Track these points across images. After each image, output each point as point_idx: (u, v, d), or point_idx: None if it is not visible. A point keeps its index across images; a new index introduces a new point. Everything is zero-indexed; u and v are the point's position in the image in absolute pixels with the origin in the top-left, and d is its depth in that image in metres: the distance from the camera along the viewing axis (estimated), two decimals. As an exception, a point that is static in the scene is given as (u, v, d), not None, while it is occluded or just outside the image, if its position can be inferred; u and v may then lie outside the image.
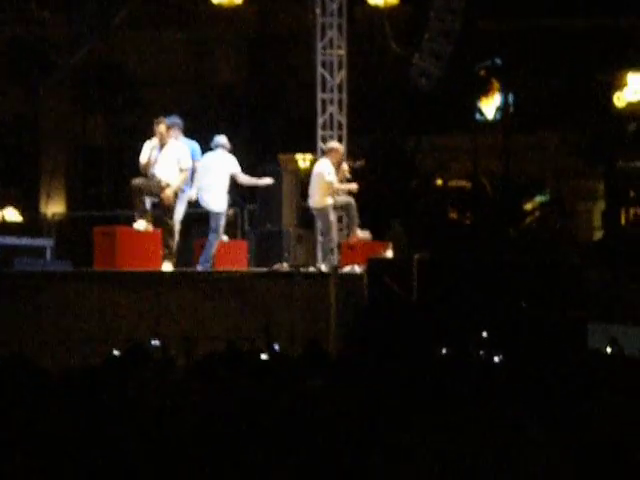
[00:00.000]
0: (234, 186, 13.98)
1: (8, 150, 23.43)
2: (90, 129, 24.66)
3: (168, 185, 13.16)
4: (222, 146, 13.62)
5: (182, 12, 25.07)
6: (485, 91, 23.74)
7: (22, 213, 21.22)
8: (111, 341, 10.86)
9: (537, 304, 11.45)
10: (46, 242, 16.02)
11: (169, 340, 10.52)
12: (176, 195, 13.29)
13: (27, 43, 21.83)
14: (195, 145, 13.86)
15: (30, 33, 22.10)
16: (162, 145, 13.26)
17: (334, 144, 14.88)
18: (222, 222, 13.53)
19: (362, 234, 14.36)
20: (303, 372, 6.47)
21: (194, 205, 13.71)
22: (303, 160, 24.49)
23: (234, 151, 13.89)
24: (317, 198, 14.23)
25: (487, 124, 23.88)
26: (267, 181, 13.90)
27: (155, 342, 8.54)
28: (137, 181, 13.23)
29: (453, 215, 21.77)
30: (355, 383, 6.35)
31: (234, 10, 25.08)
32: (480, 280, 11.65)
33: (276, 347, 9.24)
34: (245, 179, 13.73)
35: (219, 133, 14.01)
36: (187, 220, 13.77)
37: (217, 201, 13.48)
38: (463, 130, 23.23)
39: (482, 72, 21.96)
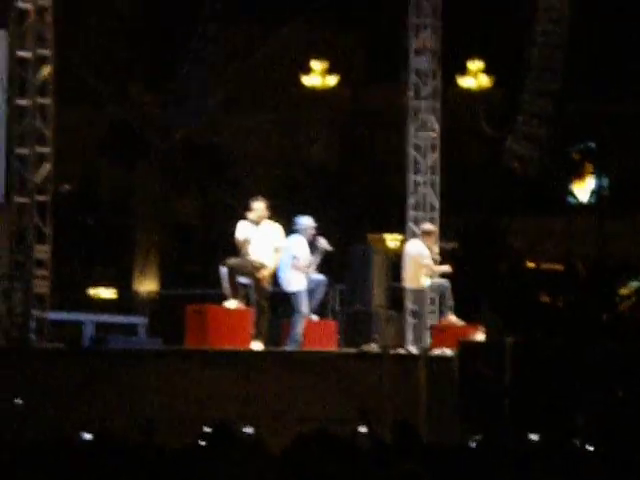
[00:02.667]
0: (324, 265, 13.99)
1: (104, 228, 23.87)
2: (183, 208, 25.04)
3: (262, 265, 13.24)
4: (300, 229, 13.64)
5: (276, 93, 25.48)
6: (578, 174, 23.59)
7: (117, 291, 21.54)
8: (201, 420, 10.86)
9: (632, 393, 11.21)
10: (139, 320, 16.24)
11: (259, 421, 10.49)
12: (269, 275, 13.36)
13: (125, 124, 22.35)
14: (279, 227, 13.90)
15: (128, 115, 22.64)
16: (257, 224, 13.37)
17: (430, 226, 14.87)
18: (302, 301, 13.51)
19: (454, 319, 14.27)
20: (395, 456, 6.40)
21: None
22: (392, 240, 24.49)
23: (322, 230, 13.91)
24: (412, 279, 14.20)
25: (582, 207, 23.69)
26: (323, 245, 13.62)
27: (247, 428, 8.51)
28: (232, 261, 13.34)
29: (545, 298, 21.50)
30: (449, 468, 6.26)
31: (327, 91, 25.45)
32: (573, 366, 11.45)
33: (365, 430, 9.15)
34: (301, 263, 13.54)
35: (310, 213, 14.08)
36: (275, 299, 13.82)
37: (293, 282, 13.51)
38: (556, 212, 23.06)
39: (576, 155, 21.84)
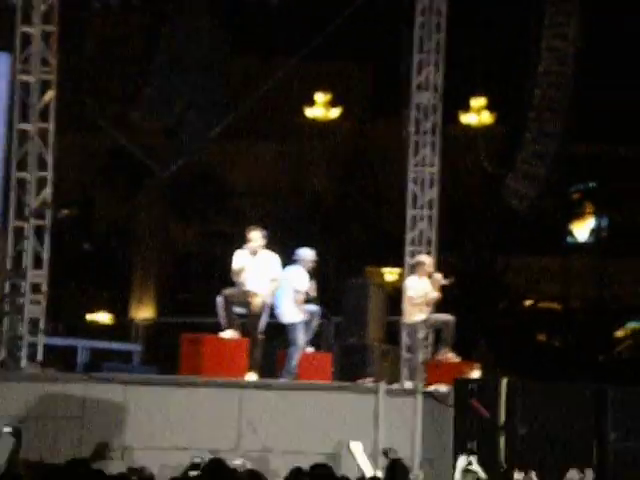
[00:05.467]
0: (320, 297, 13.97)
1: (102, 254, 23.86)
2: (182, 236, 25.05)
3: (257, 295, 13.21)
4: (299, 260, 13.62)
5: (278, 125, 25.55)
6: (578, 214, 23.65)
7: (113, 317, 21.50)
8: (193, 450, 10.80)
9: (628, 435, 11.16)
10: (134, 347, 16.19)
11: (252, 452, 10.43)
12: (264, 305, 13.32)
13: (125, 151, 22.37)
14: (276, 257, 13.88)
15: (129, 141, 22.65)
16: (254, 254, 13.35)
17: (420, 257, 14.90)
18: (299, 333, 13.47)
19: (450, 355, 14.23)
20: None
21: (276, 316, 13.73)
22: (390, 274, 24.46)
23: (320, 262, 13.89)
24: (406, 313, 14.20)
25: (579, 247, 23.72)
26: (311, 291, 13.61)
27: (237, 461, 8.46)
28: (227, 291, 13.31)
29: (541, 337, 21.50)
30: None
31: (329, 124, 25.52)
32: (568, 406, 11.41)
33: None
34: (300, 299, 13.52)
35: (309, 244, 14.06)
36: (270, 330, 13.78)
37: (290, 313, 13.48)
38: (554, 252, 23.08)
39: (576, 195, 21.96)
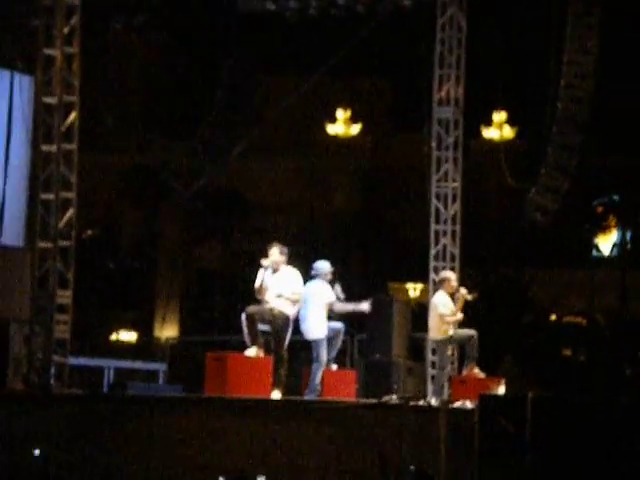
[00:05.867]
0: (343, 314, 13.97)
1: (126, 273, 23.94)
2: (205, 254, 25.11)
3: (280, 312, 13.22)
4: (319, 274, 13.66)
5: (299, 141, 25.61)
6: (602, 227, 23.56)
7: (137, 336, 21.55)
8: (219, 469, 10.81)
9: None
10: (159, 366, 16.21)
11: (277, 471, 10.42)
12: (288, 322, 13.33)
13: (148, 170, 22.47)
14: (297, 273, 13.91)
15: (151, 160, 22.74)
16: (275, 270, 13.35)
17: (445, 274, 14.87)
18: (323, 350, 13.47)
19: (477, 371, 14.21)
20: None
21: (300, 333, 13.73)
22: (414, 290, 24.42)
23: (344, 278, 13.92)
24: (433, 329, 14.18)
25: (604, 260, 23.63)
26: (364, 307, 13.79)
27: (261, 478, 8.45)
28: (251, 308, 13.32)
29: (567, 352, 21.36)
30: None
31: (350, 140, 25.55)
32: (597, 422, 11.34)
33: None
34: (341, 307, 13.67)
35: (331, 260, 14.08)
36: (294, 347, 13.78)
37: (314, 330, 13.48)
38: (579, 265, 23.00)
39: (599, 208, 21.86)
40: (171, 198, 22.71)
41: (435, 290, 14.89)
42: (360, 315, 14.45)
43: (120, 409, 12.38)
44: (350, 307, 13.77)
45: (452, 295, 14.35)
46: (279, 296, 13.25)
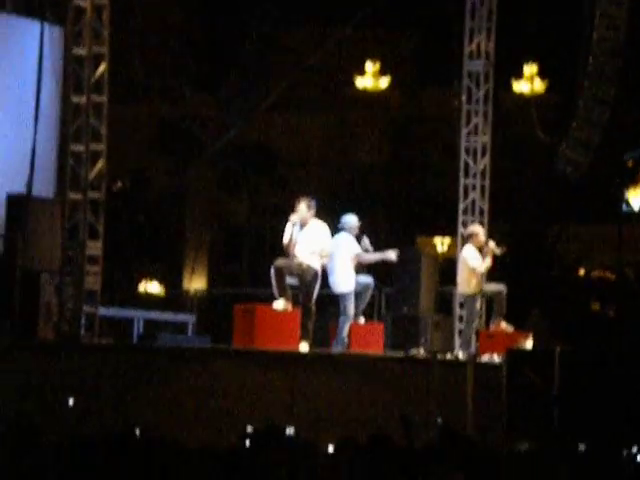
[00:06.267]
0: (371, 268, 13.98)
1: (155, 225, 24.01)
2: (234, 208, 25.13)
3: (309, 266, 13.25)
4: (346, 228, 13.66)
5: (327, 95, 25.48)
6: (633, 181, 23.37)
7: (166, 288, 21.65)
8: (247, 420, 10.89)
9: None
10: (188, 318, 16.30)
11: (304, 422, 10.48)
12: (316, 276, 13.35)
13: (177, 123, 22.44)
14: (325, 227, 13.91)
15: (180, 113, 22.72)
16: (303, 225, 13.36)
17: (474, 228, 14.84)
18: (350, 303, 13.51)
19: (504, 325, 14.23)
20: (441, 463, 6.36)
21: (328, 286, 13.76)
22: (441, 244, 24.37)
23: (371, 232, 13.92)
24: (462, 283, 14.20)
25: (634, 215, 23.47)
26: (391, 256, 13.75)
27: (290, 429, 8.51)
28: (279, 262, 13.36)
29: (595, 306, 21.30)
30: (494, 475, 6.22)
31: (379, 94, 25.41)
32: (623, 375, 11.33)
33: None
34: (368, 257, 13.67)
35: (360, 214, 14.07)
36: (322, 300, 13.82)
37: (342, 283, 13.51)
38: (608, 220, 22.83)
39: (630, 162, 21.65)
40: (200, 151, 22.72)
41: (463, 244, 14.87)
42: (388, 269, 14.46)
43: (150, 359, 12.48)
44: (377, 256, 13.78)
45: (480, 249, 14.33)
46: (308, 250, 13.27)
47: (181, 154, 22.85)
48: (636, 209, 23.82)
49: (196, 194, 24.87)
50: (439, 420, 10.90)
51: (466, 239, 14.74)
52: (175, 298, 21.15)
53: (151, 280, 21.79)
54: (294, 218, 13.28)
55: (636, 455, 8.14)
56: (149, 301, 19.88)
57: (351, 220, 13.73)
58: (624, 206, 24.15)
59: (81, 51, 13.63)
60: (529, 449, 8.08)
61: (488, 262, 14.19)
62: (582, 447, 8.50)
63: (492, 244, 14.33)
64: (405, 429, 7.97)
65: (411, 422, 8.35)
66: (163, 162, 24.00)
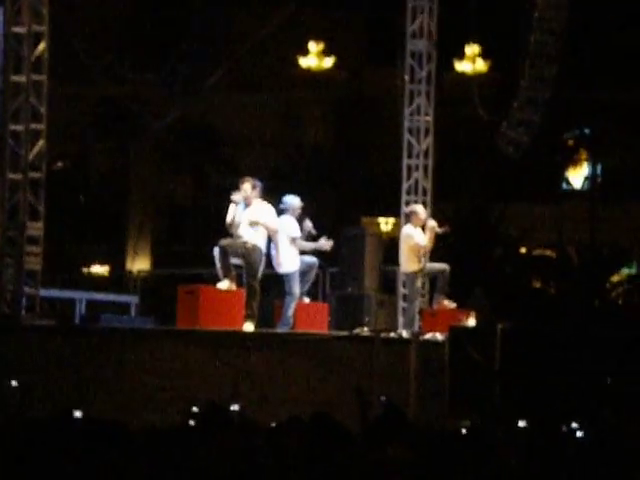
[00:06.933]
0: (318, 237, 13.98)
1: (97, 206, 23.84)
2: (177, 188, 25.01)
3: (254, 246, 13.24)
4: (288, 209, 13.65)
5: (272, 75, 25.42)
6: (573, 161, 23.63)
7: (109, 269, 21.51)
8: (190, 400, 10.88)
9: (622, 379, 11.23)
10: (131, 299, 16.21)
11: (248, 402, 10.50)
12: (261, 256, 13.34)
13: (119, 102, 22.23)
14: (269, 207, 13.88)
15: (121, 93, 22.54)
16: (247, 205, 13.34)
17: (413, 207, 14.91)
18: (295, 283, 13.52)
19: (448, 303, 14.33)
20: (382, 439, 6.40)
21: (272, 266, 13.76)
22: (385, 224, 24.47)
23: (316, 212, 13.92)
24: (404, 262, 14.26)
25: (574, 193, 23.75)
26: (325, 246, 13.79)
27: (234, 406, 8.51)
28: (224, 242, 13.32)
29: (537, 284, 21.53)
30: (436, 453, 6.27)
31: (323, 74, 25.42)
32: (564, 352, 11.48)
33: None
34: (303, 245, 13.67)
35: (304, 194, 14.06)
36: (267, 280, 13.82)
37: (286, 263, 13.52)
38: (549, 199, 23.08)
39: (570, 141, 21.95)
40: (142, 131, 22.55)
41: (404, 224, 14.94)
42: (333, 249, 14.47)
43: (92, 340, 12.42)
44: (311, 246, 13.78)
45: (423, 228, 14.41)
46: (253, 225, 13.23)
47: (123, 134, 22.67)
48: (577, 188, 24.11)
49: (138, 174, 24.71)
50: (383, 398, 10.97)
51: (406, 218, 14.82)
52: (118, 279, 21.02)
53: (94, 261, 21.64)
54: (237, 197, 13.25)
55: (576, 431, 8.25)
56: (92, 282, 19.73)
57: (293, 201, 13.71)
58: (564, 185, 24.44)
59: (20, 29, 13.47)
60: (471, 426, 8.16)
61: (428, 240, 14.26)
62: (523, 423, 8.60)
63: (433, 222, 14.42)
64: (358, 400, 8.01)
65: (364, 394, 8.41)
66: (104, 142, 23.80)
